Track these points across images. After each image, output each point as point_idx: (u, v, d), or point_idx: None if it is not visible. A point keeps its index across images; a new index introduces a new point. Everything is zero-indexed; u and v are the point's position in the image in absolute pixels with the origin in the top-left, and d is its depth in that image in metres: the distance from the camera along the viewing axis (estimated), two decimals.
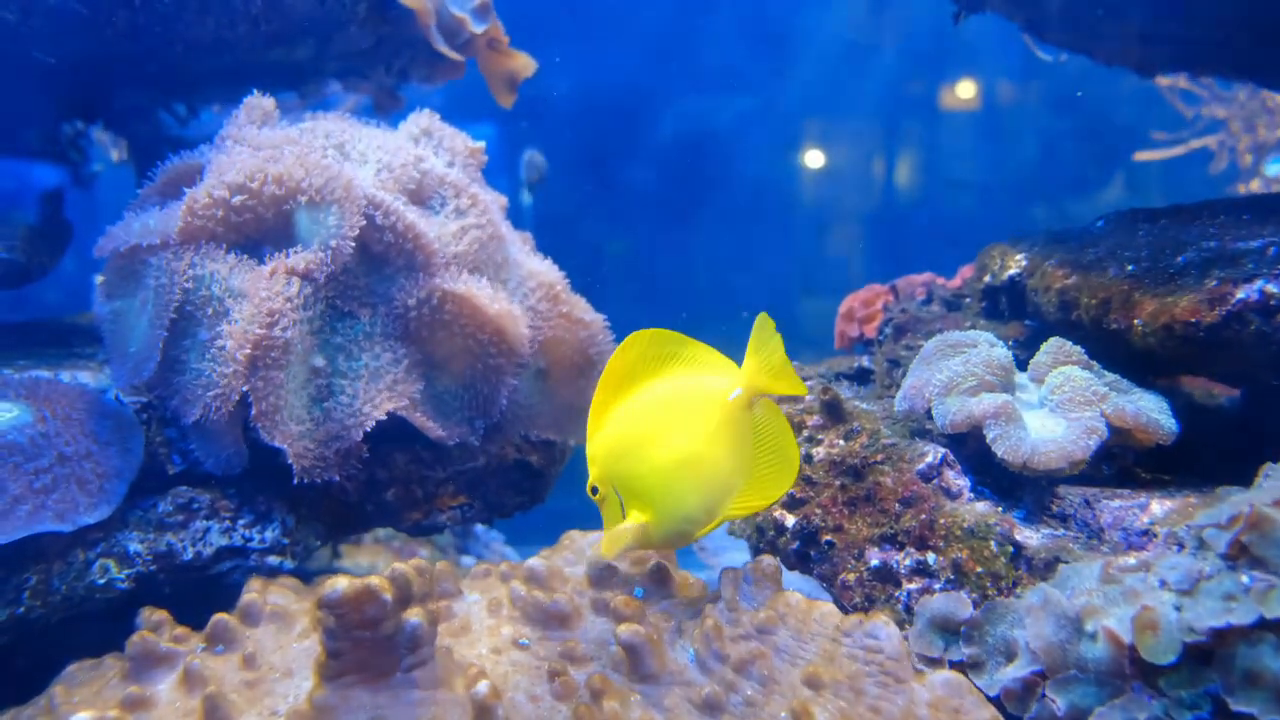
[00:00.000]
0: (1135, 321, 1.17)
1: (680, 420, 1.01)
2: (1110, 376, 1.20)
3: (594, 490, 1.02)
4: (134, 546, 1.27)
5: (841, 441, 1.29)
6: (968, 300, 1.76)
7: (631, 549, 1.04)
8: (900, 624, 1.08)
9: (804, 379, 1.53)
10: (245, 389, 1.25)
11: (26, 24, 1.46)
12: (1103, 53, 1.85)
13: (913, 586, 1.12)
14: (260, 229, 1.37)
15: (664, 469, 1.00)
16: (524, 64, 2.08)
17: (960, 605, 1.04)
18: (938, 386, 1.21)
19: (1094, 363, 1.22)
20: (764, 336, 1.04)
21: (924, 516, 1.15)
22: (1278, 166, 3.49)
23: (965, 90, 4.46)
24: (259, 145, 1.44)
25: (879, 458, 1.23)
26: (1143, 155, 3.65)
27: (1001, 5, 1.73)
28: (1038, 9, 1.74)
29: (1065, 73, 3.90)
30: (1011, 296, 1.58)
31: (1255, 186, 3.48)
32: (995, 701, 0.95)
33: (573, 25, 4.30)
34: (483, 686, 0.90)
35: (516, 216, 1.71)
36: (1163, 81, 3.55)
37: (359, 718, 0.90)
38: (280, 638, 1.10)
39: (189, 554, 1.30)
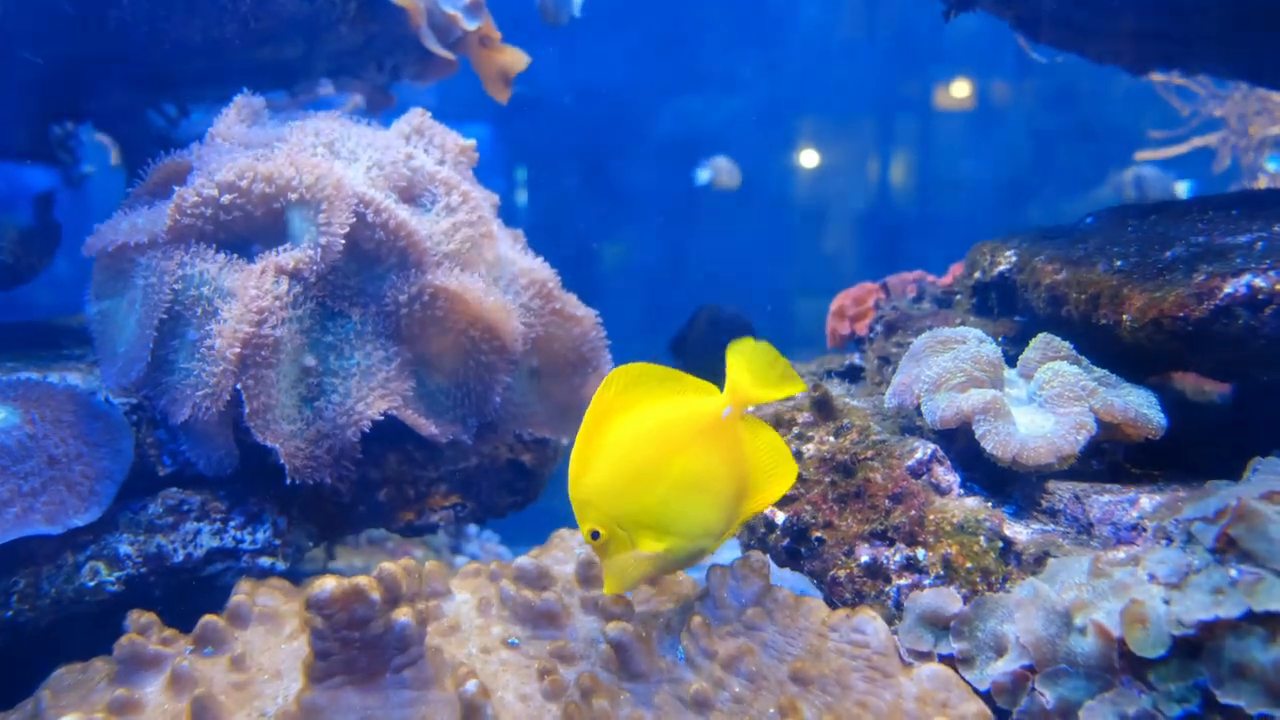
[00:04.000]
0: (1124, 317, 1.17)
1: (678, 443, 1.00)
2: (1099, 372, 1.20)
3: (594, 535, 0.98)
4: (124, 549, 1.27)
5: (832, 438, 1.29)
6: (958, 297, 1.76)
7: (644, 580, 1.03)
8: (890, 620, 1.08)
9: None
10: (237, 388, 1.25)
11: (13, 23, 1.45)
12: (1094, 51, 1.85)
13: (903, 582, 1.12)
14: (250, 227, 1.37)
15: (675, 493, 0.99)
16: (517, 59, 2.07)
17: (950, 600, 1.04)
18: (927, 383, 1.21)
19: (1083, 358, 1.22)
20: (741, 350, 1.04)
21: (914, 512, 1.15)
22: (1278, 163, 3.49)
23: (959, 89, 4.47)
24: (248, 143, 1.43)
25: (869, 454, 1.23)
26: (1143, 155, 3.64)
27: (991, 4, 1.73)
28: (1028, 7, 1.74)
29: (1059, 71, 3.91)
30: (1001, 293, 1.58)
31: (1262, 185, 3.47)
32: (985, 696, 0.95)
33: (566, 22, 4.29)
34: (472, 686, 0.90)
35: (508, 214, 1.71)
36: (1157, 79, 3.54)
37: (348, 718, 0.89)
38: (269, 639, 1.10)
39: (179, 556, 1.30)
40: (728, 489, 1.02)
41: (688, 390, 1.04)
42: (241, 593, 1.15)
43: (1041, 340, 1.24)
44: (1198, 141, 3.60)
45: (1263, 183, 3.46)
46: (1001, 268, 1.55)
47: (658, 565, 1.01)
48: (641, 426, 0.99)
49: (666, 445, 1.00)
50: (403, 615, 0.90)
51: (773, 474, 1.05)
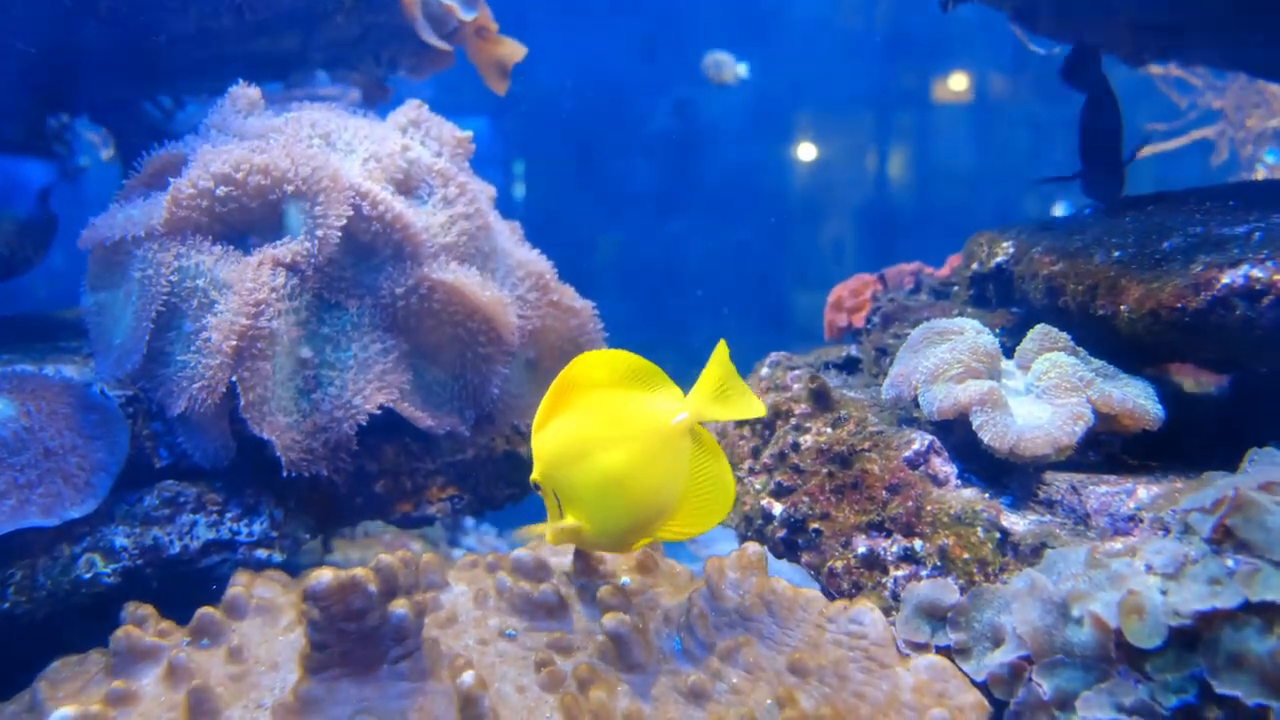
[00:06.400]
0: (1121, 307, 1.17)
1: (621, 437, 1.00)
2: (1097, 363, 1.20)
3: (536, 486, 1.02)
4: (120, 541, 1.27)
5: (829, 429, 1.29)
6: (955, 289, 1.76)
7: (570, 543, 1.06)
8: (888, 611, 1.08)
9: (791, 368, 1.53)
10: (233, 380, 1.24)
11: (7, 14, 1.44)
12: (1091, 42, 1.84)
13: (900, 573, 1.12)
14: (246, 220, 1.36)
15: (598, 484, 0.99)
16: (513, 50, 2.07)
17: (947, 591, 1.04)
18: (924, 374, 1.21)
19: (1080, 349, 1.22)
20: (719, 362, 1.03)
21: (911, 503, 1.15)
22: (1277, 155, 3.48)
23: (957, 81, 4.46)
24: (244, 135, 1.43)
25: (866, 445, 1.23)
26: (1146, 151, 3.62)
27: None
28: None
29: (1057, 64, 3.90)
30: (999, 284, 1.58)
31: (1260, 177, 3.46)
32: (982, 686, 0.95)
33: (562, 15, 4.29)
34: (469, 677, 0.90)
35: (505, 206, 1.70)
36: (1155, 71, 3.53)
37: (345, 709, 0.90)
38: (266, 630, 1.09)
39: (175, 548, 1.29)
40: (649, 499, 1.01)
41: (656, 388, 1.03)
42: (238, 584, 1.15)
43: (1039, 331, 1.24)
44: (1196, 134, 3.59)
45: (1260, 175, 3.45)
46: (999, 259, 1.55)
47: (577, 539, 1.03)
48: (597, 408, 1.01)
49: (608, 435, 1.00)
50: (399, 607, 0.90)
51: (706, 504, 1.02)
